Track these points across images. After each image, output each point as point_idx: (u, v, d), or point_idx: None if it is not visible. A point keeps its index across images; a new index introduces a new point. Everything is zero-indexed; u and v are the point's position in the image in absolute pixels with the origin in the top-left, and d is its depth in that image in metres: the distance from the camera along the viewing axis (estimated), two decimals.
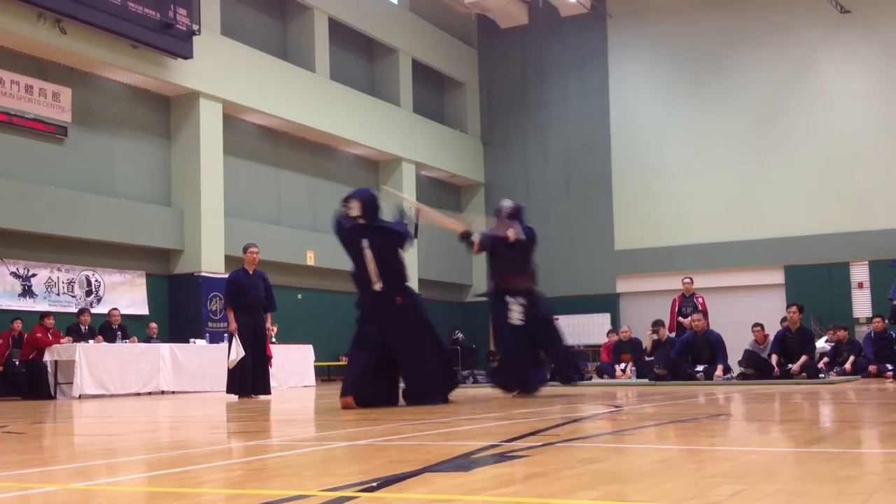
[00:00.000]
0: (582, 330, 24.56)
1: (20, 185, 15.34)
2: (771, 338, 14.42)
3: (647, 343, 15.82)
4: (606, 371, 16.37)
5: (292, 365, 17.53)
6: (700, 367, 13.95)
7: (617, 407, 8.12)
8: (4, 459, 4.56)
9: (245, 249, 12.32)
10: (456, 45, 27.23)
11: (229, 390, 11.90)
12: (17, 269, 15.59)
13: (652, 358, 14.89)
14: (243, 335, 11.67)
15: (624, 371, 16.18)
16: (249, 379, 11.74)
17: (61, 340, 14.21)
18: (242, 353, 11.55)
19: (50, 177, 16.03)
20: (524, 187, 26.97)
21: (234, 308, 11.78)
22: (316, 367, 18.34)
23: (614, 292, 25.50)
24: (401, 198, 10.71)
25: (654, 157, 25.13)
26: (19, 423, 7.61)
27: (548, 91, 26.79)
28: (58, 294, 16.21)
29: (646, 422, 6.13)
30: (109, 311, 15.57)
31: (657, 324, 15.60)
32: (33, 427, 7.21)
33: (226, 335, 12.43)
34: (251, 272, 12.12)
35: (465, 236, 10.56)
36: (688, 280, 16.86)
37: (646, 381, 14.24)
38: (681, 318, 15.65)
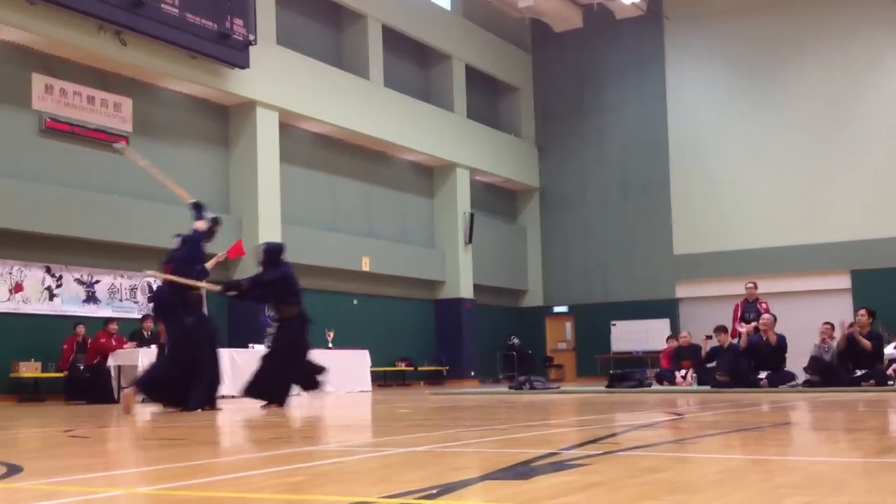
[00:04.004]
0: (641, 336, 24.30)
1: (84, 193, 15.68)
2: (835, 341, 14.03)
3: (704, 349, 15.56)
4: (666, 377, 16.14)
5: (348, 370, 17.60)
6: (763, 374, 13.66)
7: (678, 415, 7.99)
8: (70, 463, 4.64)
9: None
10: (510, 49, 27.19)
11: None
12: (82, 276, 15.94)
13: (713, 364, 14.63)
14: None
15: (684, 377, 15.94)
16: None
17: (125, 345, 14.46)
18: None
19: (112, 185, 16.35)
20: (580, 192, 26.82)
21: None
22: (372, 372, 18.39)
23: (674, 297, 25.18)
24: (135, 160, 10.87)
25: (713, 159, 24.80)
26: (85, 427, 7.74)
27: (604, 95, 26.60)
28: (121, 300, 16.53)
29: (708, 430, 6.01)
30: None
31: (719, 329, 15.33)
32: (98, 431, 7.33)
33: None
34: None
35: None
36: (751, 285, 16.49)
37: (707, 388, 13.99)
38: (743, 324, 15.31)
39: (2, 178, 14.50)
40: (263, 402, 10.48)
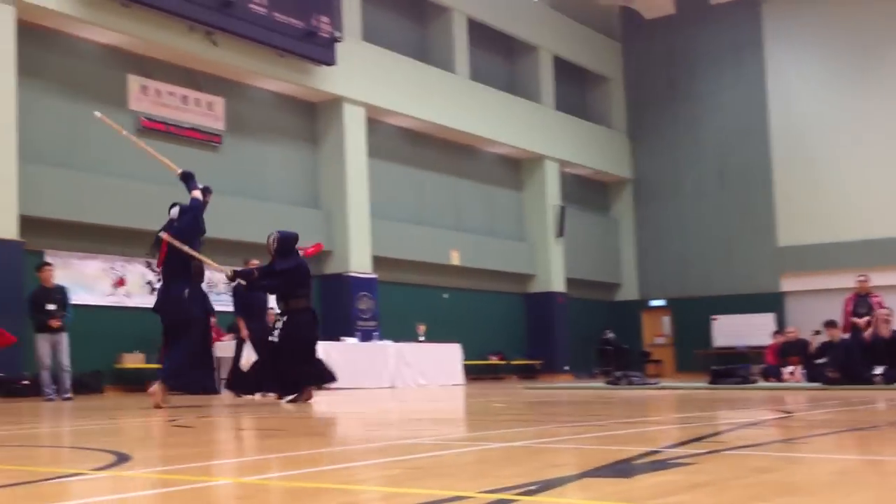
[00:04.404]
0: (743, 331, 23.69)
1: (180, 191, 16.05)
2: None
3: (812, 345, 15.11)
4: (772, 374, 15.69)
5: (440, 363, 17.67)
6: (879, 370, 13.08)
7: (786, 412, 7.73)
8: (176, 453, 4.75)
9: (245, 263, 12.63)
10: (599, 39, 26.83)
11: (235, 388, 12.09)
12: None
13: (823, 360, 14.14)
14: (253, 340, 11.91)
15: (792, 374, 15.48)
16: (255, 379, 11.96)
17: (223, 338, 14.78)
18: (255, 357, 11.79)
19: (206, 183, 16.65)
20: (674, 182, 26.32)
21: (244, 317, 12.13)
22: (464, 365, 18.40)
23: (778, 290, 24.47)
24: (113, 128, 10.48)
25: (819, 146, 23.99)
26: (187, 416, 7.92)
27: (698, 82, 26.02)
28: (218, 294, 16.90)
29: (820, 429, 5.78)
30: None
31: (829, 324, 14.80)
32: (201, 421, 7.50)
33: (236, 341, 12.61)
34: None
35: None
36: (863, 277, 15.79)
37: (817, 384, 13.53)
38: (855, 319, 14.72)
39: (103, 177, 15.01)
40: (286, 396, 10.28)
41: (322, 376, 10.53)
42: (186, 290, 9.45)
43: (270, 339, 10.23)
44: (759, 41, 25.10)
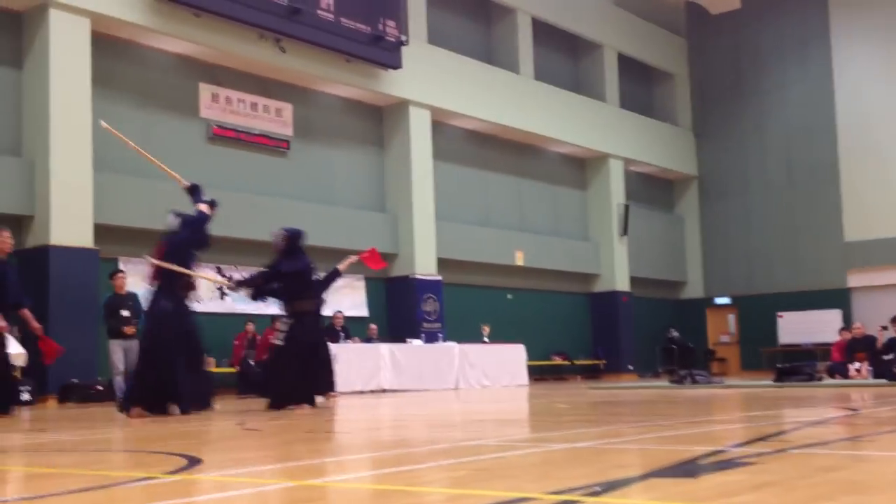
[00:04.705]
0: (810, 327, 23.25)
1: (250, 197, 16.41)
2: None
3: (879, 341, 14.77)
4: (839, 371, 15.40)
5: (504, 364, 17.69)
6: None
7: (853, 410, 7.61)
8: (245, 456, 4.85)
9: None
10: (663, 35, 26.56)
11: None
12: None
13: (891, 357, 13.84)
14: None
15: (858, 371, 15.16)
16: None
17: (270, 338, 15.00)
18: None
19: (275, 188, 17.05)
20: (741, 178, 25.93)
21: None
22: (528, 366, 18.39)
23: (845, 286, 23.96)
24: (120, 139, 10.02)
25: (886, 141, 23.47)
26: (256, 420, 8.05)
27: (765, 77, 25.59)
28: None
29: (887, 426, 5.69)
30: (333, 314, 16.26)
31: None
32: (268, 424, 7.61)
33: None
34: None
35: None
36: None
37: (884, 381, 13.25)
38: None
39: (174, 184, 15.29)
40: (292, 405, 9.28)
41: (324, 384, 9.83)
42: (165, 304, 9.01)
43: (274, 342, 9.71)
44: (825, 35, 24.58)
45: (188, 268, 9.22)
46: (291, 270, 9.55)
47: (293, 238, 9.76)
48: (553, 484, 3.23)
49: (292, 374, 9.30)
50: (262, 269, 10.09)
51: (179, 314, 9.14)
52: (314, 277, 9.92)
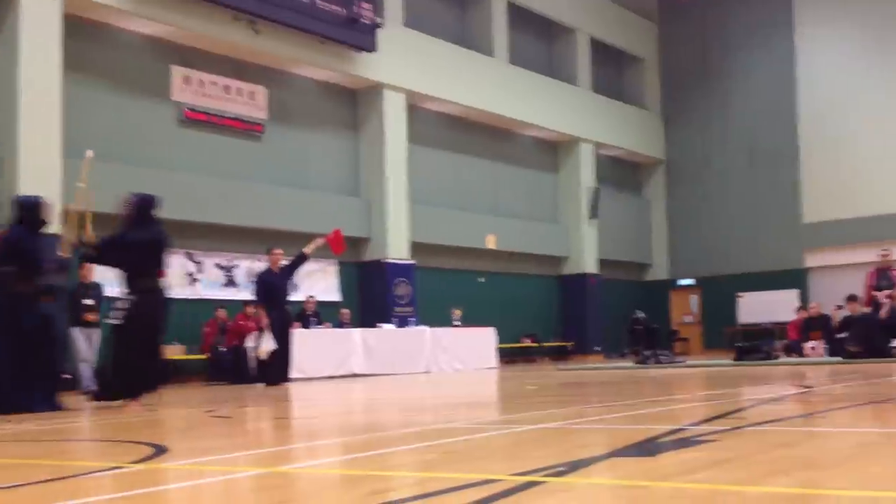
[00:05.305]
0: (769, 307, 23.68)
1: (222, 181, 16.34)
2: None
3: (834, 319, 15.13)
4: (794, 349, 15.74)
5: (475, 348, 17.81)
6: None
7: (807, 387, 7.81)
8: (211, 444, 4.85)
9: (269, 251, 12.77)
10: (635, 20, 26.69)
11: (260, 380, 12.18)
12: (221, 262, 16.62)
13: (845, 335, 14.17)
14: (272, 329, 12.00)
15: (813, 349, 15.51)
16: (278, 368, 12.08)
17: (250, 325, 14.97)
18: (274, 346, 11.88)
19: (249, 172, 16.98)
20: (706, 162, 26.28)
21: (265, 305, 12.17)
22: (498, 349, 18.53)
23: (802, 267, 24.39)
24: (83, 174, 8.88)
25: (845, 124, 23.83)
26: (226, 407, 8.06)
27: (730, 62, 25.86)
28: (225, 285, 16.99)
29: (840, 403, 5.86)
30: (305, 299, 16.27)
31: (851, 299, 14.80)
32: (238, 411, 7.62)
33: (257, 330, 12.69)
34: (277, 272, 12.53)
35: None
36: (885, 252, 15.83)
37: (838, 359, 13.57)
38: (875, 293, 14.74)
39: (145, 168, 15.20)
40: (118, 400, 8.20)
41: (157, 376, 8.65)
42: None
43: (111, 320, 8.55)
44: (789, 19, 24.88)
45: None
46: (135, 240, 8.41)
47: (143, 204, 8.60)
48: (520, 465, 3.33)
49: (127, 360, 8.20)
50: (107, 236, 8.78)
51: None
52: (164, 252, 8.77)
